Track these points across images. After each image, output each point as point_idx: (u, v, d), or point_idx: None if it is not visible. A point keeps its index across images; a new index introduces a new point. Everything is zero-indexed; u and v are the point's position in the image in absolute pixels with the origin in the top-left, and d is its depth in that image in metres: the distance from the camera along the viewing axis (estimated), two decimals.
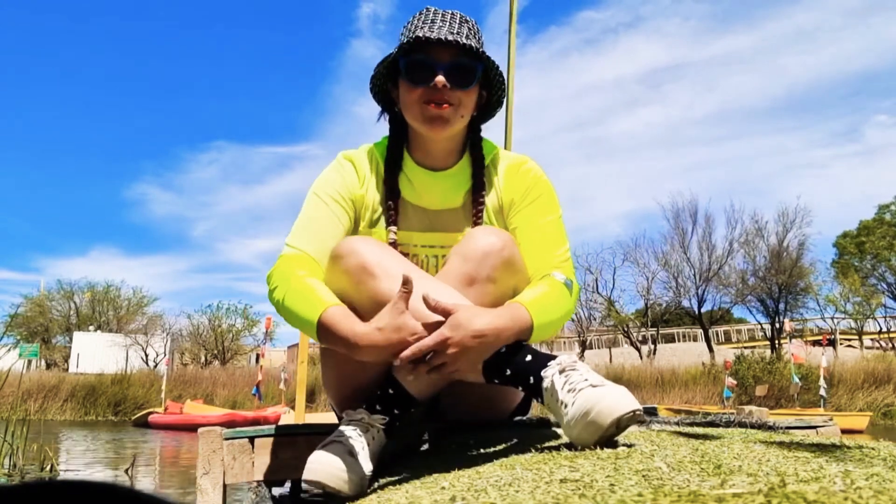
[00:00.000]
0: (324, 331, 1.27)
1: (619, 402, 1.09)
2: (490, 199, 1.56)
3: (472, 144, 1.57)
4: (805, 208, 26.65)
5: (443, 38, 1.38)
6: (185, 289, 52.58)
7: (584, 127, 53.42)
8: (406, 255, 1.52)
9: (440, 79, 1.40)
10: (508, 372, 1.23)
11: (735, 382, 15.76)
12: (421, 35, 1.39)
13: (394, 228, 1.52)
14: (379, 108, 1.59)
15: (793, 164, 50.18)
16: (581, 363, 1.20)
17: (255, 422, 12.24)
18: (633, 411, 1.09)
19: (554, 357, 1.23)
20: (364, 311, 1.30)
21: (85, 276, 46.58)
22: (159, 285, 57.53)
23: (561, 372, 1.18)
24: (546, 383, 1.19)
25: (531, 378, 1.22)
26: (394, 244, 1.51)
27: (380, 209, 1.55)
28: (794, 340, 17.07)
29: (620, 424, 1.10)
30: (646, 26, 49.50)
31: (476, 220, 1.54)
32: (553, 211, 1.54)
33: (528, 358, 1.23)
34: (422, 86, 1.42)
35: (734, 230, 27.27)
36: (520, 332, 1.27)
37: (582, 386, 1.13)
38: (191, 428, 13.68)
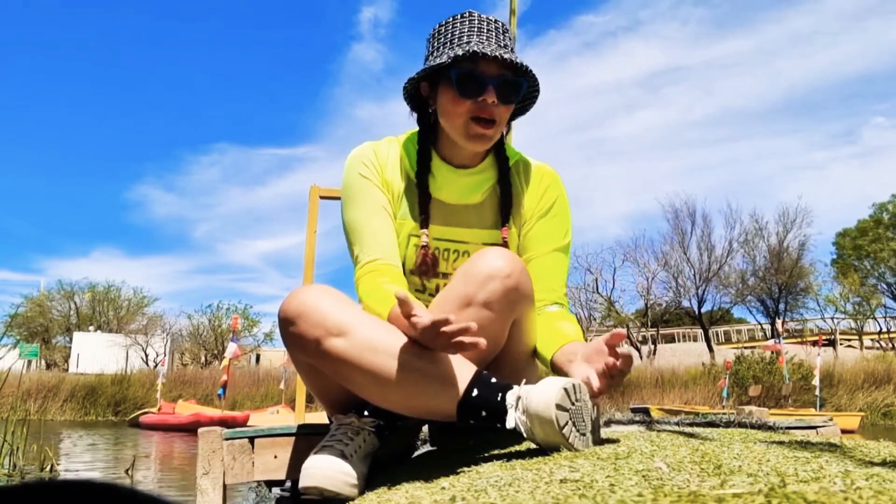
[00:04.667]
0: (393, 321, 1.31)
1: (547, 392, 1.15)
2: (514, 201, 1.58)
3: (498, 146, 1.58)
4: (805, 208, 26.73)
5: (499, 56, 1.39)
6: (186, 289, 52.46)
7: (584, 129, 53.41)
8: (429, 249, 1.53)
9: (490, 95, 1.41)
10: (484, 413, 1.24)
11: (724, 383, 15.76)
12: (478, 50, 1.38)
13: (426, 231, 1.52)
14: (409, 103, 1.57)
15: (791, 166, 50.21)
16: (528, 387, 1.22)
17: (223, 422, 12.14)
18: (563, 388, 1.15)
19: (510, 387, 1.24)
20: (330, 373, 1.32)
21: (85, 276, 46.51)
22: (160, 286, 57.54)
23: (516, 404, 1.21)
24: (510, 422, 1.20)
25: (504, 417, 1.23)
26: (425, 247, 1.52)
27: (401, 199, 1.54)
28: (782, 341, 17.02)
29: (565, 406, 1.15)
30: (645, 30, 49.46)
31: (504, 221, 1.56)
32: (565, 237, 1.59)
33: (499, 397, 1.24)
34: (471, 99, 1.42)
35: (733, 230, 27.30)
36: None
37: (525, 402, 1.18)
38: (169, 428, 13.68)
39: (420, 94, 1.54)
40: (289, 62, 64.24)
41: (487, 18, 1.47)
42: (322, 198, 2.55)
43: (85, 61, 56.19)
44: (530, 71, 1.43)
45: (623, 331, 1.25)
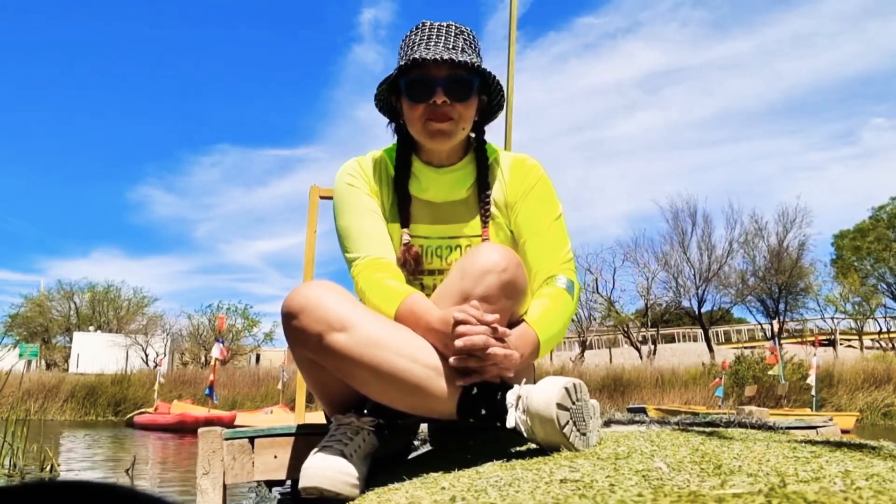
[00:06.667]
0: (402, 320, 1.34)
1: (547, 391, 1.16)
2: (496, 194, 1.59)
3: (477, 145, 1.61)
4: (805, 208, 26.70)
5: (438, 57, 1.43)
6: (187, 289, 52.45)
7: (584, 130, 53.35)
8: (412, 246, 1.54)
9: (439, 96, 1.45)
10: (484, 412, 1.25)
11: (718, 383, 15.77)
12: (418, 56, 1.44)
13: (406, 230, 1.55)
14: (386, 119, 1.64)
15: (791, 167, 50.14)
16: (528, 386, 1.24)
17: (209, 422, 12.17)
18: (563, 387, 1.16)
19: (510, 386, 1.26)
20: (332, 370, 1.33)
21: (85, 276, 46.53)
22: (161, 286, 57.27)
23: (517, 403, 1.22)
24: (510, 421, 1.21)
25: (504, 416, 1.24)
26: (408, 245, 1.54)
27: (390, 205, 1.58)
28: (778, 341, 17.01)
29: (565, 406, 1.16)
30: (644, 32, 49.37)
31: (484, 214, 1.57)
32: (555, 210, 1.58)
33: (499, 396, 1.25)
34: (422, 103, 1.47)
35: (734, 230, 27.30)
36: (532, 354, 1.35)
37: (526, 401, 1.20)
38: (157, 428, 13.73)
39: (394, 109, 1.59)
40: (289, 63, 64.31)
41: (440, 25, 1.52)
42: (322, 198, 2.55)
43: (87, 63, 56.25)
44: (480, 67, 1.48)
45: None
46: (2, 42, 53.48)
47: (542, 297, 1.44)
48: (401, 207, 1.56)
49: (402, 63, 1.47)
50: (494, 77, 1.52)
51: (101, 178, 57.08)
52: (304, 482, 1.27)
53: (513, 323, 1.40)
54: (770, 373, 16.03)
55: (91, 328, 30.69)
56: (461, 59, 1.43)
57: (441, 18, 1.54)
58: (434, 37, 1.49)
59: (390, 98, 1.58)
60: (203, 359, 29.10)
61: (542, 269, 1.50)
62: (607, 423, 1.95)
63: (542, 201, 1.57)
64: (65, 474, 5.53)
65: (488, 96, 1.58)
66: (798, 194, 40.18)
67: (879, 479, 0.78)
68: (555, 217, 1.56)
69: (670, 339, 34.77)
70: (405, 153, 1.58)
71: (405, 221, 1.55)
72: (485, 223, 1.56)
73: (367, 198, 1.55)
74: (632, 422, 1.98)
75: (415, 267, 1.54)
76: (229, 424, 11.93)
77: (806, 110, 51.49)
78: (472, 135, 1.61)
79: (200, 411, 14.19)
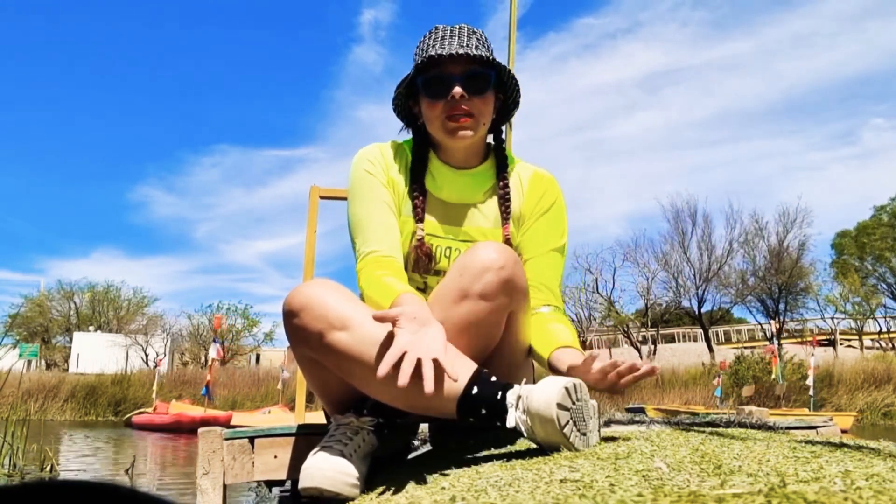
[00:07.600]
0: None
1: (548, 391, 1.16)
2: (513, 202, 1.60)
3: (496, 147, 1.63)
4: (806, 208, 26.69)
5: (454, 52, 1.45)
6: (186, 289, 52.51)
7: (584, 130, 53.37)
8: (424, 242, 1.54)
9: (457, 90, 1.46)
10: (484, 411, 1.24)
11: (718, 382, 15.79)
12: (433, 53, 1.46)
13: (421, 225, 1.55)
14: (402, 123, 1.65)
15: (791, 167, 50.12)
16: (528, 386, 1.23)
17: (204, 422, 12.18)
18: (564, 387, 1.16)
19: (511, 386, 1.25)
20: (332, 367, 1.33)
21: (85, 276, 46.57)
22: (161, 286, 57.20)
23: (517, 403, 1.21)
24: (510, 421, 1.20)
25: (504, 415, 1.23)
26: (421, 240, 1.54)
27: (405, 199, 1.57)
28: (776, 341, 17.07)
29: (566, 405, 1.16)
30: (644, 32, 49.35)
31: (505, 211, 1.58)
32: (562, 238, 1.62)
33: (499, 396, 1.24)
34: (441, 100, 1.48)
35: (734, 230, 27.31)
36: None
37: (526, 401, 1.19)
38: (154, 428, 13.77)
39: (412, 113, 1.60)
40: (290, 64, 64.23)
41: (452, 27, 1.54)
42: (322, 198, 2.55)
43: (87, 63, 56.21)
44: (495, 60, 1.49)
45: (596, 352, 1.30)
46: (2, 42, 53.51)
47: (558, 323, 1.50)
48: (416, 202, 1.56)
49: (419, 61, 1.48)
50: (510, 71, 1.53)
51: (101, 178, 57.11)
52: (303, 482, 1.27)
53: (509, 323, 1.41)
54: (772, 376, 16.06)
55: (91, 328, 30.71)
56: (475, 53, 1.46)
57: (441, 19, 1.58)
58: (448, 37, 1.51)
59: (407, 104, 1.59)
60: (203, 359, 29.09)
61: (540, 292, 1.54)
62: (607, 423, 1.95)
63: (553, 225, 1.60)
64: (65, 474, 5.53)
65: (504, 94, 1.59)
66: (799, 194, 40.24)
67: (879, 479, 0.78)
68: (559, 246, 1.60)
69: (670, 339, 34.76)
70: (423, 153, 1.59)
71: (419, 216, 1.55)
72: (506, 220, 1.58)
73: (382, 189, 1.55)
74: (632, 422, 1.98)
75: (428, 263, 1.54)
76: (225, 424, 11.95)
77: (806, 110, 51.56)
78: (491, 138, 1.63)
79: (196, 411, 14.20)
